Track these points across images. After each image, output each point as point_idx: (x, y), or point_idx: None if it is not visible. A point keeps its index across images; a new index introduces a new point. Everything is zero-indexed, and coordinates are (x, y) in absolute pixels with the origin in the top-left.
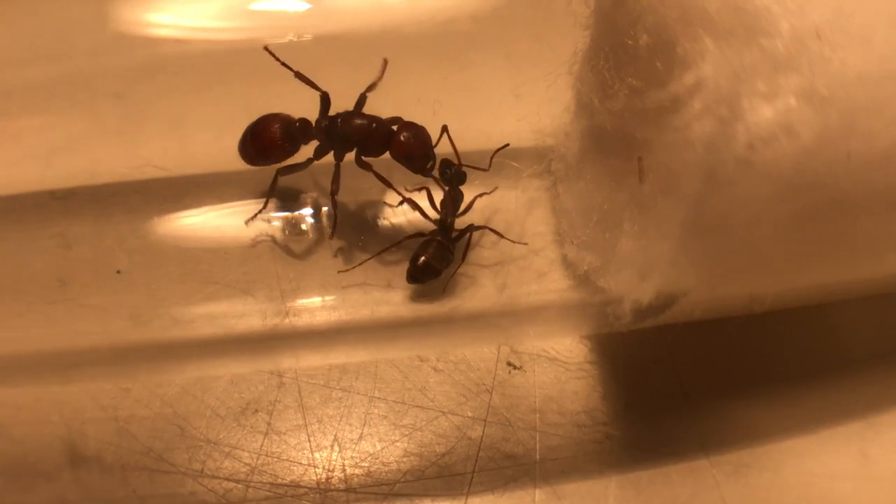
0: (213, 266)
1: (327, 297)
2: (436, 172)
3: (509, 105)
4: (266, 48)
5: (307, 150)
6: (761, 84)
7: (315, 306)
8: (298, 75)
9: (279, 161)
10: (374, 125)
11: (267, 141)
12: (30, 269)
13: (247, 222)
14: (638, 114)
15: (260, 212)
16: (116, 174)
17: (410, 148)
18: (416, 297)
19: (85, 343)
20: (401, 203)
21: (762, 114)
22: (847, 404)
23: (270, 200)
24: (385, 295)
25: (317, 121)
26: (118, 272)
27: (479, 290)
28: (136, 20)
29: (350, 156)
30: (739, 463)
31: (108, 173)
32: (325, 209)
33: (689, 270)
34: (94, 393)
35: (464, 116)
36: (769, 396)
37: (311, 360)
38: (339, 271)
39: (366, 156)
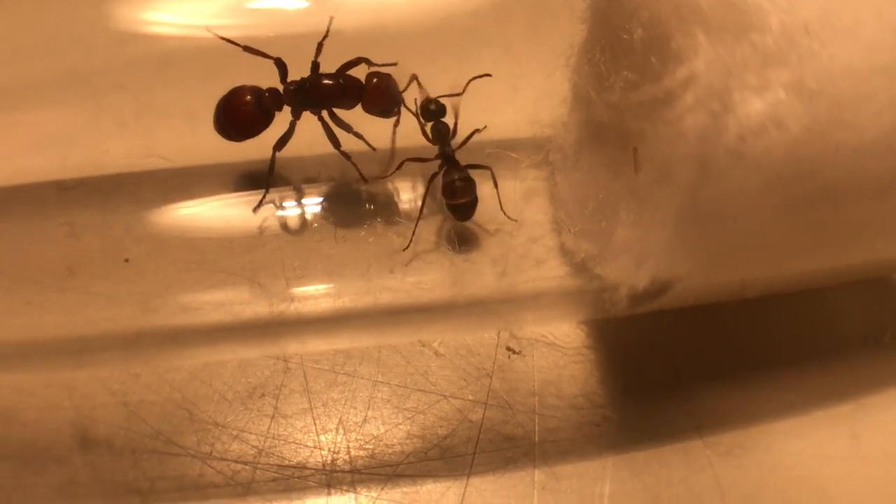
0: (220, 254)
1: (331, 284)
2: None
3: (507, 97)
4: (207, 28)
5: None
6: (752, 78)
7: (319, 293)
8: (247, 48)
9: (258, 134)
10: (341, 80)
11: (244, 117)
12: (39, 258)
13: (254, 210)
14: (633, 106)
15: (265, 195)
16: (122, 164)
17: (382, 96)
18: (418, 283)
19: (94, 330)
20: (399, 167)
21: (752, 107)
22: (838, 387)
23: (275, 189)
24: (387, 282)
25: (285, 87)
26: (126, 261)
27: (479, 277)
28: (137, 18)
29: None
30: (733, 444)
31: (113, 164)
32: (326, 200)
33: (684, 258)
34: (104, 378)
35: (463, 108)
36: (762, 379)
37: (316, 345)
38: (403, 249)
39: (339, 108)
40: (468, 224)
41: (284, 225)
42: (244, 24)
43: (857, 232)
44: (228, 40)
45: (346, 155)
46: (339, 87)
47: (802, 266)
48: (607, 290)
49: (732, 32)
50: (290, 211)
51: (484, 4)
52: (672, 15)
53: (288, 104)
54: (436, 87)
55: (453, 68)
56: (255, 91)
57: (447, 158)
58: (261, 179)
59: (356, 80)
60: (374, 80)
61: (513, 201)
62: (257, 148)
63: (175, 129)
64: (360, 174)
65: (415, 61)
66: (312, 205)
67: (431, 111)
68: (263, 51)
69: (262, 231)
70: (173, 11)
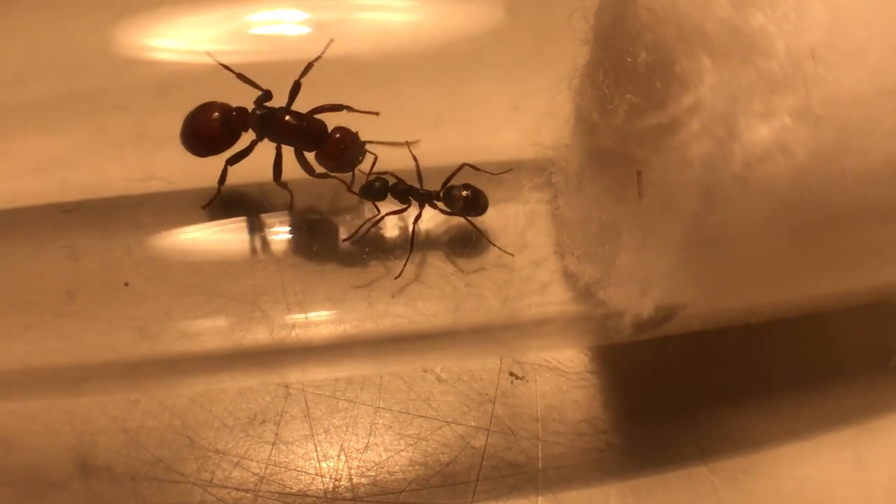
0: (220, 279)
1: (333, 310)
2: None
3: (509, 118)
4: (209, 53)
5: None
6: (757, 104)
7: (321, 319)
8: (241, 76)
9: (223, 150)
10: (304, 124)
11: (209, 133)
12: (39, 281)
13: (203, 207)
14: (637, 131)
15: (212, 200)
16: (122, 187)
17: (338, 153)
18: (421, 309)
19: (94, 356)
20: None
21: (758, 133)
22: (842, 410)
23: (275, 213)
24: (389, 307)
25: (252, 111)
26: (126, 284)
27: (482, 303)
28: (138, 43)
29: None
30: (737, 469)
31: (113, 186)
32: (327, 224)
33: (689, 284)
34: (104, 404)
35: (465, 129)
36: (765, 404)
37: (317, 371)
38: (395, 277)
39: (297, 148)
40: (470, 249)
41: (285, 249)
42: (246, 49)
43: (863, 257)
44: (225, 66)
45: (283, 185)
46: (301, 129)
47: (808, 291)
48: (611, 316)
49: (737, 57)
50: (291, 235)
51: (485, 29)
52: (676, 38)
53: (251, 128)
54: (437, 108)
55: (455, 91)
56: (224, 109)
57: (429, 197)
58: (263, 203)
59: (322, 127)
60: (337, 135)
61: (515, 223)
62: (260, 172)
63: (175, 152)
64: (291, 203)
65: (417, 84)
66: (313, 229)
67: (378, 189)
68: (264, 75)
69: (262, 255)
70: (174, 37)
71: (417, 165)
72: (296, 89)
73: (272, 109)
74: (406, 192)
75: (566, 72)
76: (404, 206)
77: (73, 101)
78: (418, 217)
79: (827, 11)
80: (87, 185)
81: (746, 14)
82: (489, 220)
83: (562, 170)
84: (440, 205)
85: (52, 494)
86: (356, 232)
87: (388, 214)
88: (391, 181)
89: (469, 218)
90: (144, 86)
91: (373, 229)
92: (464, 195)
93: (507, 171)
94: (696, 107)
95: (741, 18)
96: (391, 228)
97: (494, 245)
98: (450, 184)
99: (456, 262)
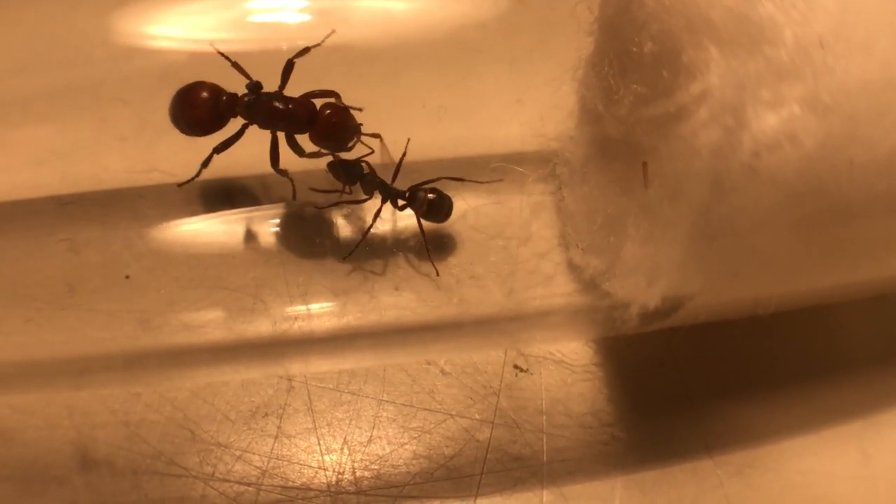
0: (222, 271)
1: (335, 302)
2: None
3: (513, 110)
4: (210, 43)
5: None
6: (766, 93)
7: (324, 311)
8: (235, 65)
9: (209, 133)
10: (291, 106)
11: (196, 113)
12: (39, 274)
13: (179, 185)
14: (644, 121)
15: (192, 179)
16: (122, 179)
17: (331, 130)
18: (424, 301)
19: (95, 348)
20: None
21: (767, 122)
22: (847, 404)
23: (277, 204)
24: (393, 299)
25: (240, 97)
26: (127, 277)
27: (486, 295)
28: (138, 32)
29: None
30: (742, 463)
31: (114, 179)
32: (330, 215)
33: (696, 275)
34: (105, 398)
35: (468, 121)
36: (771, 397)
37: (320, 364)
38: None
39: (289, 132)
40: (474, 240)
41: (288, 241)
42: (246, 38)
43: (870, 248)
44: (221, 54)
45: (283, 173)
46: (289, 112)
47: (815, 282)
48: (617, 307)
49: (745, 46)
50: (294, 227)
51: (490, 17)
52: (683, 28)
53: (240, 114)
54: (439, 100)
55: (458, 83)
56: (214, 91)
57: (394, 195)
58: (265, 195)
59: (311, 107)
60: (327, 111)
61: (520, 215)
62: (261, 163)
63: (176, 143)
64: (293, 195)
65: (420, 74)
66: (316, 221)
67: (351, 172)
68: (265, 63)
69: (265, 247)
70: (174, 25)
71: (401, 160)
72: (288, 69)
73: (260, 94)
74: (376, 185)
75: (570, 63)
76: (365, 197)
77: (73, 92)
78: (378, 212)
79: (835, 1)
80: (88, 178)
81: (754, 2)
82: (494, 211)
83: (566, 161)
84: (401, 202)
85: (52, 489)
86: (325, 207)
87: (349, 202)
88: (367, 171)
89: (422, 223)
90: (144, 76)
91: (375, 223)
92: (429, 198)
93: (498, 174)
94: (703, 95)
95: (749, 7)
96: (395, 220)
97: (430, 262)
98: (413, 189)
99: (457, 256)
